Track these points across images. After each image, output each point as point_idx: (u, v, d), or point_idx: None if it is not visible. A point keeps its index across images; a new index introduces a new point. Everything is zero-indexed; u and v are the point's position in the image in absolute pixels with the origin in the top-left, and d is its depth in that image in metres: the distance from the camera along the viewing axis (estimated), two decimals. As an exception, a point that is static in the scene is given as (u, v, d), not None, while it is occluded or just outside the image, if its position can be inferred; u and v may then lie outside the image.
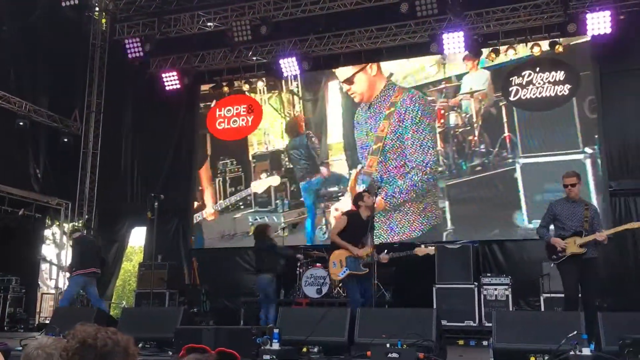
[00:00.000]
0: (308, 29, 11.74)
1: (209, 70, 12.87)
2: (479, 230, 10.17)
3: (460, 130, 10.43)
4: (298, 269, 9.83)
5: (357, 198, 7.41)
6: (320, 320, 6.12)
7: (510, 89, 10.90)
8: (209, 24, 11.73)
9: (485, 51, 10.98)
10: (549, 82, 10.69)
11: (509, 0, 10.65)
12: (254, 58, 12.39)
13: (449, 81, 10.90)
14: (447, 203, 10.29)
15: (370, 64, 11.60)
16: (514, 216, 10.00)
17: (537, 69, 10.80)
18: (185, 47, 12.50)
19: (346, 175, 11.19)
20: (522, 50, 10.89)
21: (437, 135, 10.61)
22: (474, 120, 10.47)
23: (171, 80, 12.40)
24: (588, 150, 9.96)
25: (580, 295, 6.17)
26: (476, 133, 10.34)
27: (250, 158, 11.67)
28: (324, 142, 11.33)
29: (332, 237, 7.41)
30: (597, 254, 6.31)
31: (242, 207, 11.42)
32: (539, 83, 10.75)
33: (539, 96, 10.71)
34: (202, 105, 13.07)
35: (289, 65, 11.74)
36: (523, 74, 10.89)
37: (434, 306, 8.82)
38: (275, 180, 11.43)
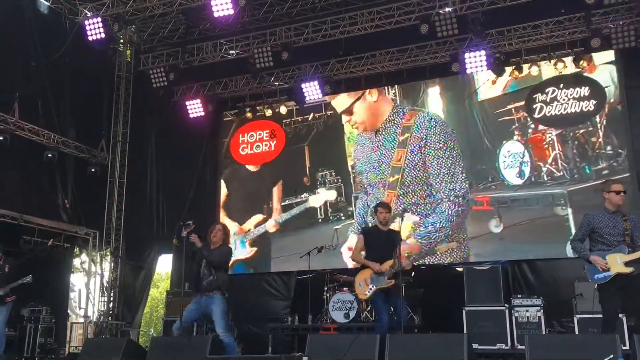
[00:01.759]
0: (329, 53, 11.85)
1: (232, 96, 13.06)
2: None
3: (581, 131, 9.63)
4: (325, 293, 9.75)
5: (374, 211, 7.37)
6: (349, 348, 6.04)
7: (534, 107, 10.79)
8: (231, 51, 11.92)
9: (508, 69, 10.91)
10: (574, 99, 10.55)
11: (530, 17, 10.62)
12: (276, 83, 12.53)
13: (564, 79, 10.11)
14: (569, 210, 9.39)
15: (369, 90, 11.27)
16: None
17: (561, 85, 10.69)
18: (208, 75, 12.71)
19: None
20: (546, 68, 10.79)
21: (555, 139, 9.58)
22: (597, 120, 9.58)
23: (195, 108, 12.59)
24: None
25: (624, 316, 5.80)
26: (600, 134, 9.45)
27: (350, 169, 11.30)
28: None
29: (352, 256, 7.34)
30: None
31: (342, 217, 11.26)
32: (564, 99, 10.62)
33: (564, 112, 10.57)
34: (225, 131, 13.21)
35: (311, 90, 11.85)
36: (547, 90, 10.78)
37: (464, 329, 8.67)
38: (331, 194, 11.23)
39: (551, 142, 9.74)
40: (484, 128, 10.29)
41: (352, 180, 11.20)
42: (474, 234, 10.03)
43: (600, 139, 9.48)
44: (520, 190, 9.78)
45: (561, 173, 9.64)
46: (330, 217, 11.20)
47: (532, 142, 9.85)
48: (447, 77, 11.06)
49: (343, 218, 11.04)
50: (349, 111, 11.29)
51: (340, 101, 11.44)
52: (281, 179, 12.15)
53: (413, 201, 10.36)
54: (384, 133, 10.96)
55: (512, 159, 9.94)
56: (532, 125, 9.97)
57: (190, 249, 7.04)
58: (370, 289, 7.01)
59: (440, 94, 11.03)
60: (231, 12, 10.03)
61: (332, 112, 11.93)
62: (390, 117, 10.87)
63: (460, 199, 10.18)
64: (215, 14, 10.07)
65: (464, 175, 10.23)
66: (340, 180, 11.27)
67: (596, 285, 5.72)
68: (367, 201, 11.23)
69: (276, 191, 12.10)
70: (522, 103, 10.11)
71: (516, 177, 9.87)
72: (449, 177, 10.16)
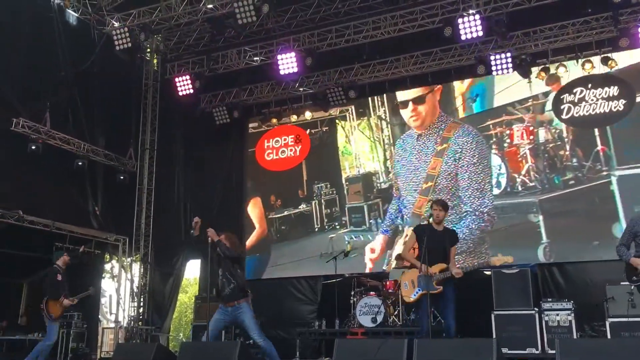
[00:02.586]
0: (353, 57, 11.86)
1: (257, 103, 13.15)
2: (577, 242, 9.86)
3: (550, 145, 10.31)
4: (352, 297, 9.74)
5: (430, 207, 7.02)
6: (377, 353, 6.02)
7: (562, 107, 10.66)
8: (255, 58, 12.01)
9: (535, 70, 10.79)
10: (603, 99, 10.39)
11: (556, 17, 10.48)
12: (301, 89, 12.58)
13: (536, 98, 10.69)
14: (541, 217, 10.11)
15: (437, 87, 11.28)
16: (613, 228, 9.59)
17: (589, 85, 10.53)
18: (233, 82, 12.84)
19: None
20: (573, 68, 10.66)
21: (528, 152, 10.23)
22: (565, 135, 10.27)
23: (221, 115, 12.72)
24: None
25: None
26: (567, 148, 10.17)
27: (344, 181, 11.92)
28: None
29: (401, 253, 7.05)
30: None
31: (337, 226, 11.69)
32: (592, 100, 10.46)
33: (593, 113, 10.41)
34: (250, 137, 13.32)
35: (336, 95, 11.90)
36: (574, 91, 10.63)
37: (493, 334, 8.58)
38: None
39: (525, 155, 10.40)
40: None
41: (345, 192, 11.84)
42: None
43: (567, 152, 10.15)
44: (497, 199, 10.44)
45: (533, 184, 10.29)
46: (326, 227, 11.81)
47: (508, 155, 10.52)
48: (431, 96, 11.41)
49: (338, 227, 11.67)
50: (421, 99, 11.32)
51: (407, 92, 11.55)
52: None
53: None
54: (424, 139, 11.19)
55: (490, 170, 10.56)
56: (508, 140, 10.59)
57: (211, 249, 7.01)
58: (416, 292, 6.71)
59: (425, 111, 11.42)
60: (255, 19, 10.11)
61: (327, 128, 12.39)
62: (435, 125, 11.09)
63: (485, 215, 10.40)
64: (239, 22, 10.16)
65: (492, 192, 10.42)
66: (335, 192, 11.88)
67: (632, 287, 5.87)
68: (400, 205, 11.29)
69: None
70: (500, 119, 10.68)
71: (494, 188, 10.49)
72: (478, 193, 10.42)
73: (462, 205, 10.52)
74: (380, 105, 11.97)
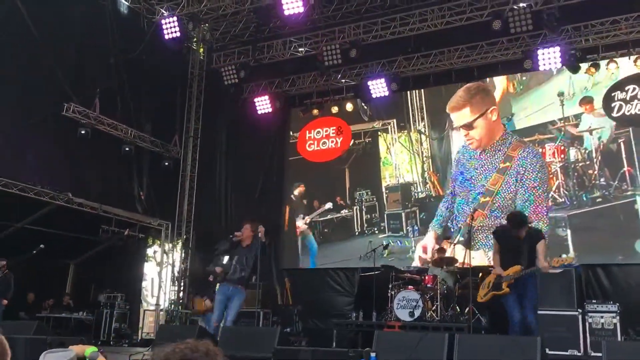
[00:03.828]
0: (397, 50, 11.79)
1: (299, 94, 13.20)
2: (602, 255, 10.08)
3: (580, 164, 10.68)
4: (390, 291, 9.73)
5: None
6: (417, 345, 6.02)
7: (612, 105, 10.39)
8: (300, 49, 12.05)
9: (584, 66, 10.54)
10: (656, 97, 10.07)
11: (609, 12, 10.20)
12: (343, 80, 12.58)
13: (568, 120, 10.85)
14: (569, 231, 10.45)
15: (492, 108, 11.29)
16: (635, 244, 9.83)
17: (643, 83, 10.23)
18: (276, 73, 12.92)
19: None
20: (625, 64, 10.37)
21: (558, 170, 10.65)
22: (594, 155, 10.56)
23: (263, 105, 12.82)
24: None
25: None
26: (596, 167, 10.49)
27: (384, 189, 12.36)
28: (449, 175, 11.71)
29: (492, 258, 7.19)
30: None
31: (376, 231, 12.17)
32: (646, 98, 10.16)
33: (645, 111, 10.12)
34: (292, 127, 13.41)
35: (378, 87, 11.85)
36: (627, 88, 10.35)
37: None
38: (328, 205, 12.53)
39: (556, 172, 10.73)
40: None
41: (385, 200, 12.24)
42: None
43: (595, 172, 10.42)
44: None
45: (563, 199, 10.61)
46: (366, 231, 12.27)
47: None
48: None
49: (377, 232, 12.14)
50: (469, 125, 11.45)
51: (460, 115, 11.63)
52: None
53: (495, 224, 10.59)
54: (488, 155, 11.30)
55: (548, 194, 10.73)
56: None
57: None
58: (487, 293, 6.82)
59: (467, 129, 11.45)
60: (301, 10, 10.15)
61: (370, 139, 12.66)
62: (498, 142, 11.21)
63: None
64: (286, 12, 10.21)
65: (547, 216, 10.54)
66: (375, 199, 12.31)
67: None
68: (451, 206, 11.42)
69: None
70: (534, 138, 10.92)
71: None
72: (534, 216, 10.51)
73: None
74: (420, 120, 12.26)
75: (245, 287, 7.62)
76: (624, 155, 10.24)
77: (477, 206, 10.91)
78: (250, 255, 7.51)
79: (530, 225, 7.20)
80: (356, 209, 12.40)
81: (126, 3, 11.91)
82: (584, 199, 10.40)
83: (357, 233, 12.35)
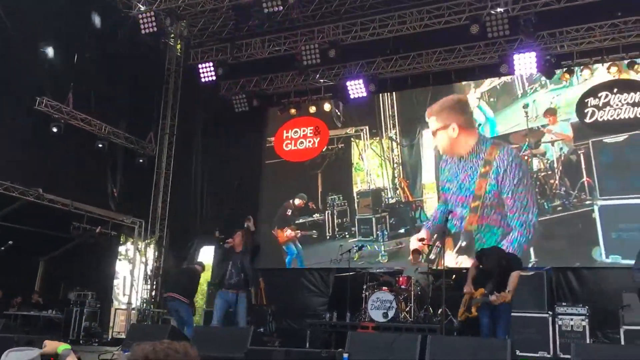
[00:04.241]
0: (376, 51, 11.82)
1: (277, 93, 13.15)
2: (561, 261, 10.30)
3: (542, 174, 10.95)
4: (364, 292, 9.75)
5: None
6: (390, 346, 6.03)
7: (585, 111, 10.57)
8: (278, 48, 11.99)
9: (559, 72, 10.70)
10: (628, 104, 10.27)
11: (584, 19, 10.36)
12: (321, 80, 12.57)
13: (533, 130, 11.09)
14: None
15: (452, 125, 11.50)
16: (592, 252, 10.12)
17: (615, 90, 10.42)
18: (254, 71, 12.84)
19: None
20: (599, 71, 10.56)
21: (536, 190, 10.88)
22: (555, 165, 10.85)
23: (240, 103, 12.74)
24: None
25: None
26: (557, 177, 10.79)
27: (355, 195, 12.50)
28: (419, 182, 11.93)
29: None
30: None
31: (347, 235, 12.30)
32: (617, 105, 10.35)
33: (617, 118, 10.31)
34: (269, 127, 13.35)
35: (356, 88, 11.87)
36: (599, 95, 10.53)
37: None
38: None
39: None
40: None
41: (356, 205, 12.43)
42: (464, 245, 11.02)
43: (556, 182, 10.77)
44: None
45: None
46: (337, 235, 12.45)
47: None
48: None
49: (347, 236, 12.32)
50: (434, 133, 11.80)
51: (430, 121, 11.90)
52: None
53: (489, 224, 10.98)
54: (467, 162, 11.50)
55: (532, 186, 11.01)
56: None
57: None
58: (462, 312, 6.90)
59: (432, 135, 11.83)
60: (280, 8, 10.11)
61: (342, 144, 12.81)
62: (475, 149, 11.41)
63: (529, 228, 10.70)
64: (265, 10, 10.15)
65: (535, 207, 10.72)
66: (346, 204, 12.48)
67: None
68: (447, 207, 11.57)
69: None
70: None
71: None
72: (521, 210, 10.80)
73: (509, 222, 10.87)
74: (392, 127, 12.43)
75: (247, 288, 7.95)
76: (583, 166, 10.56)
77: (471, 210, 11.10)
78: (244, 259, 7.86)
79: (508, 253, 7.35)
80: (328, 213, 12.58)
81: (103, -4, 11.74)
82: (545, 207, 10.69)
83: (328, 237, 12.53)
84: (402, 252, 11.54)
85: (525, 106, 11.14)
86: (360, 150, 12.65)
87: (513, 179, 10.95)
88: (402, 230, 11.83)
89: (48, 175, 10.82)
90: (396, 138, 12.34)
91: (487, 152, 11.25)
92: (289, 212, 12.84)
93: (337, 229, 12.43)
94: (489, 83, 11.60)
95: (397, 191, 12.15)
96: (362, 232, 12.23)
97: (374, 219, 12.18)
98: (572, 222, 10.44)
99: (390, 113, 12.38)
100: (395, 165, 12.28)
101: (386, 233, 12.01)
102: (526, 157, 11.01)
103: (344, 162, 12.69)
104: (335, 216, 12.50)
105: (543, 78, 10.88)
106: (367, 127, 12.61)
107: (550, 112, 10.93)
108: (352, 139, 12.74)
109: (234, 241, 8.02)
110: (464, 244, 10.92)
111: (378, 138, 12.49)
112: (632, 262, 6.37)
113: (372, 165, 12.49)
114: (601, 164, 10.44)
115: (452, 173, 11.61)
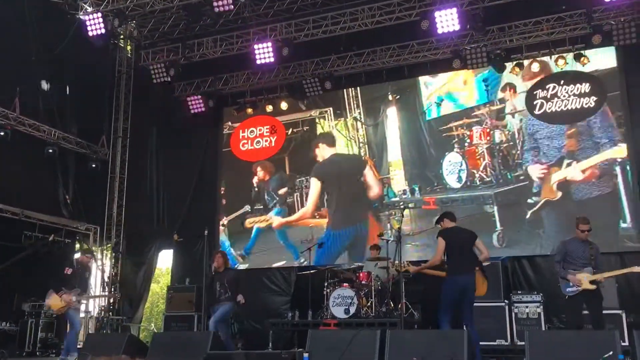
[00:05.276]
0: (330, 49, 11.84)
1: (233, 92, 13.05)
2: (525, 230, 10.56)
3: (504, 145, 11.22)
4: (325, 289, 9.77)
5: None
6: (350, 343, 6.06)
7: (534, 103, 10.83)
8: (231, 47, 11.88)
9: (509, 66, 10.93)
10: (575, 95, 10.58)
11: (531, 13, 10.60)
12: (277, 79, 12.52)
13: (492, 104, 11.37)
14: (495, 208, 10.99)
15: None
16: None
17: (562, 82, 10.71)
18: (208, 71, 12.70)
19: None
20: (546, 64, 10.84)
21: (485, 151, 11.26)
22: (517, 136, 11.10)
23: (196, 104, 12.59)
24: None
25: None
26: (519, 147, 11.04)
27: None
28: (385, 160, 12.07)
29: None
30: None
31: (317, 217, 12.30)
32: (564, 96, 10.64)
33: (565, 109, 10.60)
34: (225, 127, 13.24)
35: (312, 85, 11.88)
36: (547, 87, 10.80)
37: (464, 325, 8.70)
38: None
39: (482, 154, 11.33)
40: (430, 142, 11.78)
41: None
42: (423, 228, 11.32)
43: (518, 152, 11.05)
44: (458, 192, 11.36)
45: (489, 178, 11.22)
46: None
47: (468, 154, 11.44)
48: (402, 100, 12.11)
49: (317, 217, 12.32)
50: None
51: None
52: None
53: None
54: None
55: (452, 167, 11.48)
56: (468, 140, 11.44)
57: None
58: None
59: (396, 113, 12.15)
60: (231, 7, 10.01)
61: (307, 127, 12.84)
62: None
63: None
64: (216, 10, 10.04)
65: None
66: None
67: (567, 297, 6.92)
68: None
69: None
70: (461, 122, 11.49)
71: (456, 182, 11.42)
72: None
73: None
74: (355, 108, 12.52)
75: (234, 299, 8.44)
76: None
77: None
78: (228, 276, 8.59)
79: None
80: (296, 196, 12.57)
81: (47, -3, 11.39)
82: (509, 177, 10.96)
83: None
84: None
85: (485, 80, 11.37)
86: (326, 131, 12.69)
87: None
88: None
89: (-4, 183, 10.48)
90: (360, 118, 12.44)
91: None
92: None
93: (307, 211, 12.50)
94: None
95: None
96: None
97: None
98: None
99: (354, 94, 12.48)
100: (361, 144, 12.38)
101: None
102: (488, 130, 11.27)
103: (310, 144, 12.69)
104: (304, 197, 12.50)
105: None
106: (331, 109, 12.67)
107: (510, 87, 11.20)
108: (317, 121, 12.77)
109: (217, 263, 8.70)
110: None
111: (342, 119, 12.56)
112: None
113: (338, 146, 12.52)
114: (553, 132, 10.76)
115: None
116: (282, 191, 12.58)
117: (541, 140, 10.81)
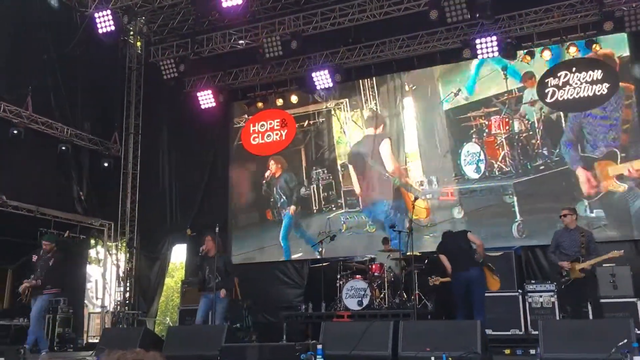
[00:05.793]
0: (339, 41, 11.80)
1: (243, 87, 13.07)
2: (545, 220, 10.24)
3: (524, 135, 11.11)
4: (338, 281, 9.79)
5: None
6: (363, 335, 6.08)
7: (546, 91, 10.74)
8: (240, 41, 11.89)
9: (520, 54, 10.83)
10: (587, 82, 10.48)
11: (542, 1, 10.49)
12: (287, 72, 12.51)
13: (511, 93, 11.25)
14: (515, 198, 10.88)
15: None
16: (577, 205, 10.00)
17: (574, 69, 10.61)
18: (218, 66, 12.73)
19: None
20: (557, 51, 10.75)
21: (504, 141, 11.16)
22: (536, 126, 11.01)
23: (206, 99, 12.62)
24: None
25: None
26: (538, 137, 10.94)
27: (339, 167, 12.56)
28: (402, 151, 11.98)
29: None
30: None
31: (334, 208, 12.36)
32: (576, 83, 10.55)
33: (577, 97, 10.51)
34: (236, 121, 13.27)
35: (322, 78, 11.86)
36: (559, 75, 10.71)
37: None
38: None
39: (501, 144, 11.21)
40: (448, 132, 11.61)
41: (340, 177, 12.45)
42: (441, 219, 11.30)
43: (538, 141, 10.94)
44: (477, 183, 11.25)
45: (508, 169, 11.11)
46: (324, 209, 12.47)
47: (486, 144, 11.29)
48: (418, 91, 11.97)
49: (334, 209, 12.39)
50: None
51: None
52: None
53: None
54: None
55: (470, 157, 11.35)
56: (487, 130, 11.30)
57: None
58: None
59: (413, 104, 12.03)
60: (240, 1, 10.01)
61: (324, 119, 12.82)
62: None
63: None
64: (224, 4, 10.05)
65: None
66: (331, 177, 12.54)
67: (562, 287, 7.19)
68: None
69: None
70: (480, 112, 11.38)
71: (474, 172, 11.29)
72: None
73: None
74: (372, 99, 12.44)
75: (226, 287, 8.22)
76: (563, 125, 10.70)
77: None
78: (219, 262, 8.20)
79: None
80: (313, 188, 12.61)
81: (57, -5, 11.46)
82: (528, 167, 10.84)
83: (315, 211, 12.54)
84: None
85: (504, 69, 11.25)
86: (342, 123, 12.67)
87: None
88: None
89: (11, 181, 10.57)
90: (377, 109, 12.36)
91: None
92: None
93: (323, 203, 12.47)
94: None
95: (380, 161, 12.23)
96: (348, 204, 12.29)
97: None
98: (555, 180, 10.61)
99: (370, 85, 12.41)
100: (377, 134, 12.21)
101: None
102: (507, 119, 11.16)
103: (327, 135, 12.73)
104: (321, 190, 12.55)
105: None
106: (347, 100, 12.66)
107: (528, 76, 11.07)
108: (332, 112, 12.75)
109: (206, 247, 8.39)
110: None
111: (359, 110, 12.52)
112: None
113: (354, 137, 12.49)
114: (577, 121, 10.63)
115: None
116: (303, 192, 12.58)
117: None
